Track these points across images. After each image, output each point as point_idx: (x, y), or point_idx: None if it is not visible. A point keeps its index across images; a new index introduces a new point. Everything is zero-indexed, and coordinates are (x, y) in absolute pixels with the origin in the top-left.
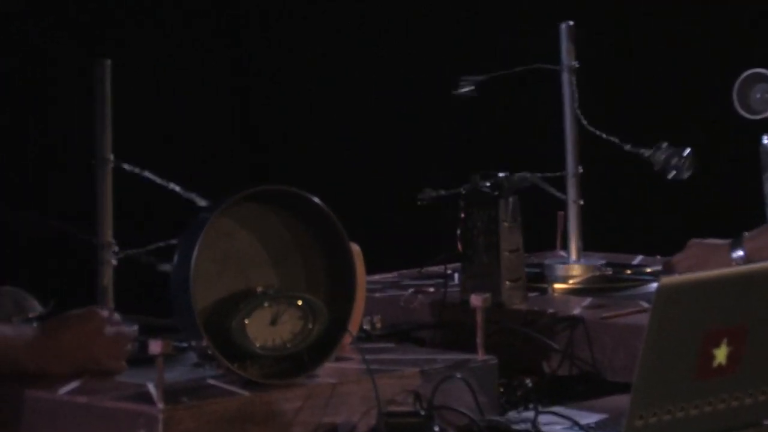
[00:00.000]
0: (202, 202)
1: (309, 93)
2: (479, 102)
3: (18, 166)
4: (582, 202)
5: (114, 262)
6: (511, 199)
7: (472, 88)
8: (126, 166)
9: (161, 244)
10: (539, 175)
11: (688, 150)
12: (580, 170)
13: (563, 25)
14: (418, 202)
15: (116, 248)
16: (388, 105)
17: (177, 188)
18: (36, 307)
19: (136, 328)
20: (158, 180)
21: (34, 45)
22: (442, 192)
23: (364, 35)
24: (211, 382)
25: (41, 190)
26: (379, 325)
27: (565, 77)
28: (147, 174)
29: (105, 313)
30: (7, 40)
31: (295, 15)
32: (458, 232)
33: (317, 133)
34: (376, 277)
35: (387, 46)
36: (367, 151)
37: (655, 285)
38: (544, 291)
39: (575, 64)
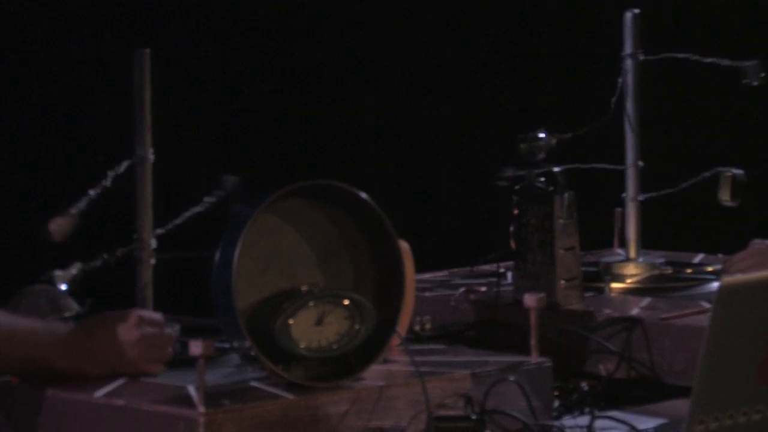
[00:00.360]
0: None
1: (355, 86)
2: (531, 94)
3: (54, 163)
4: (641, 198)
5: (153, 260)
6: (566, 195)
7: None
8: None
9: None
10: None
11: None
12: (640, 164)
13: (628, 14)
14: (498, 182)
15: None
16: (437, 98)
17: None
18: (72, 306)
19: (177, 329)
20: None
21: (71, 38)
22: (521, 172)
23: (405, 24)
24: (254, 384)
25: (79, 187)
26: (428, 326)
27: (628, 66)
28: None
29: (144, 314)
30: (43, 32)
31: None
32: (511, 229)
33: (365, 128)
34: (426, 275)
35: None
36: (418, 145)
37: (716, 285)
38: (600, 291)
39: (640, 53)
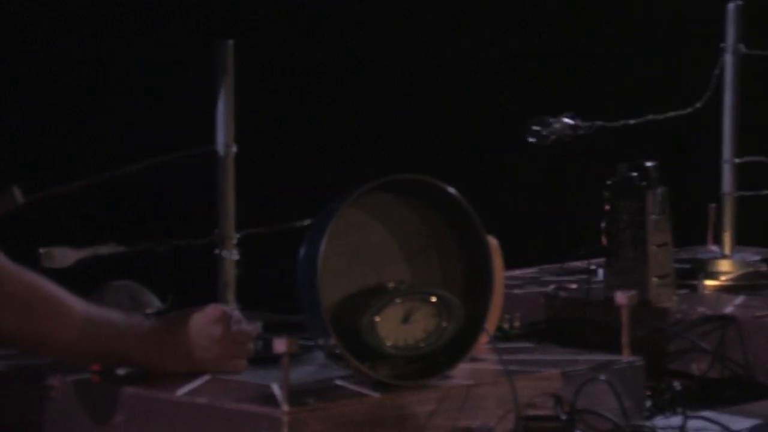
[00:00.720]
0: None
1: (440, 79)
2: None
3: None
4: (737, 194)
5: (236, 256)
6: (659, 190)
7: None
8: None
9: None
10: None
11: None
12: (736, 160)
13: (730, 5)
14: (609, 182)
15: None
16: (530, 91)
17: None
18: (153, 303)
19: (259, 325)
20: None
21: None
22: (633, 174)
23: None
24: (339, 383)
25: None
26: (517, 324)
27: (729, 60)
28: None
29: (226, 310)
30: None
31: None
32: (603, 225)
33: (453, 121)
34: (516, 272)
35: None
36: (509, 139)
37: None
38: (694, 288)
39: (742, 46)
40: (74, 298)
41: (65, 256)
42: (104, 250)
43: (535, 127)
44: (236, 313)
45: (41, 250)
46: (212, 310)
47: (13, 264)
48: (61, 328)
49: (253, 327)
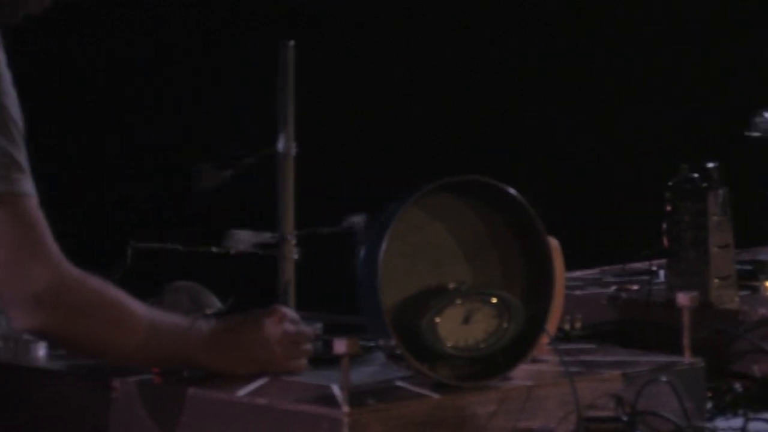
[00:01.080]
0: None
1: (503, 79)
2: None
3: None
4: None
5: (295, 256)
6: (721, 191)
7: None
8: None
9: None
10: None
11: None
12: None
13: None
14: (670, 183)
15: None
16: (588, 93)
17: None
18: (214, 304)
19: (319, 326)
20: None
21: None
22: (695, 175)
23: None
24: (400, 383)
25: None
26: (578, 325)
27: None
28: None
29: (286, 311)
30: (188, 26)
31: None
32: (664, 226)
33: (513, 122)
34: (577, 273)
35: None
36: (568, 140)
37: None
38: (755, 290)
39: None
40: (138, 304)
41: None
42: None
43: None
44: (294, 314)
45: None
46: (272, 312)
47: (79, 270)
48: (127, 334)
49: (312, 328)
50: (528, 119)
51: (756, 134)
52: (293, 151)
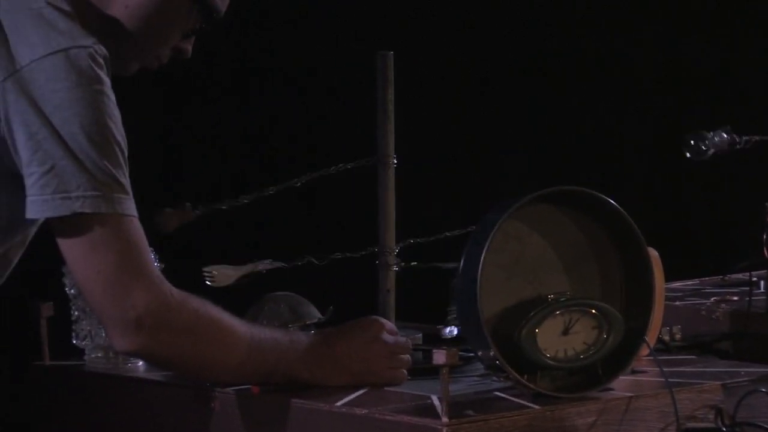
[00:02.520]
0: None
1: (606, 90)
2: None
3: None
4: None
5: (396, 267)
6: None
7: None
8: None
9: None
10: None
11: None
12: None
13: None
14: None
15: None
16: (692, 105)
17: None
18: (314, 314)
19: (419, 336)
20: None
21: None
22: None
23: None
24: (499, 394)
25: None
26: (678, 336)
27: None
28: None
29: (384, 323)
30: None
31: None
32: (765, 236)
33: (613, 132)
34: (676, 284)
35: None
36: (667, 151)
37: None
38: None
39: None
40: (238, 321)
41: (226, 275)
42: (263, 266)
43: (692, 141)
44: (392, 325)
45: (204, 270)
46: (371, 323)
47: (179, 291)
48: (227, 354)
49: (410, 338)
50: (627, 131)
51: (688, 155)
52: (393, 162)
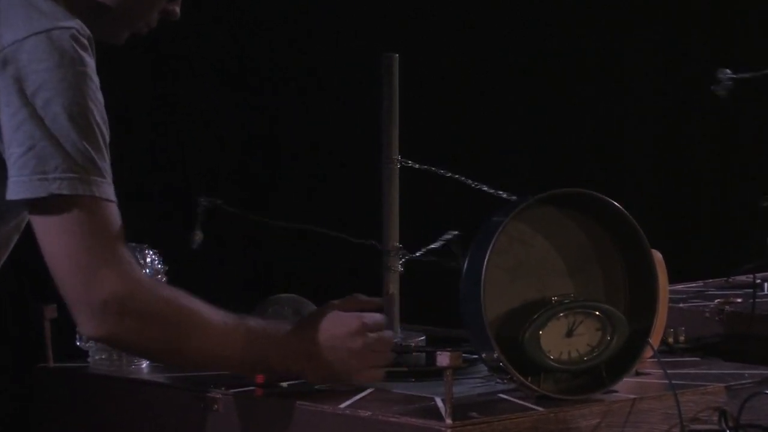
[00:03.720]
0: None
1: (608, 92)
2: None
3: (295, 165)
4: None
5: (400, 268)
6: None
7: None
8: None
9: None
10: None
11: None
12: None
13: None
14: (765, 204)
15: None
16: (697, 109)
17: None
18: None
19: (423, 338)
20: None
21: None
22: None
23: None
24: (503, 396)
25: (324, 190)
26: (682, 338)
27: None
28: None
29: (366, 318)
30: (291, 38)
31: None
32: None
33: (617, 135)
34: (680, 286)
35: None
36: (670, 153)
37: None
38: None
39: None
40: (212, 309)
41: None
42: None
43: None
44: (376, 319)
45: None
46: (354, 321)
47: (150, 279)
48: (197, 341)
49: (391, 332)
50: (628, 131)
51: (721, 92)
52: (398, 162)
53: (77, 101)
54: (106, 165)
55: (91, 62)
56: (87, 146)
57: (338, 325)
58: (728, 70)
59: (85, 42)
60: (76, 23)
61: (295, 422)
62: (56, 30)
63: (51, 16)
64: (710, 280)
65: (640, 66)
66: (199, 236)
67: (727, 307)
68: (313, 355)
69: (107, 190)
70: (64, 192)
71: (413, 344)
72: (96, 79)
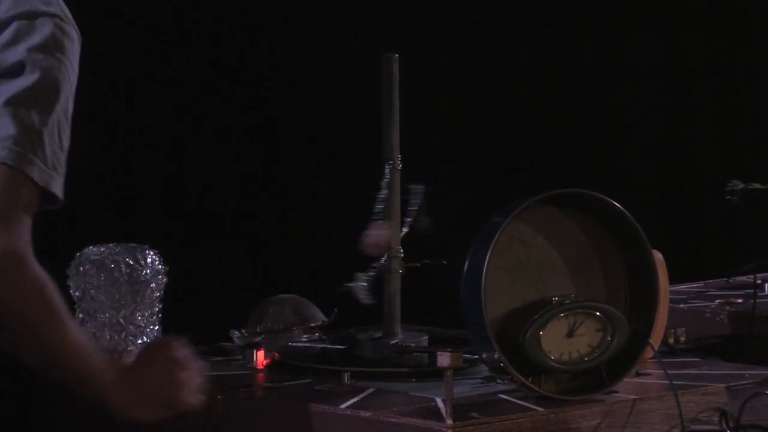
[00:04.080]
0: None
1: (605, 90)
2: None
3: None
4: None
5: (401, 271)
6: None
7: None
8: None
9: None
10: None
11: None
12: None
13: None
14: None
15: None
16: (696, 106)
17: None
18: (318, 316)
19: (425, 338)
20: None
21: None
22: (757, 185)
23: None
24: (503, 397)
25: (324, 190)
26: (683, 338)
27: None
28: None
29: (175, 342)
30: (291, 38)
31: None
32: None
33: (619, 134)
34: (681, 286)
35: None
36: (673, 153)
37: None
38: None
39: None
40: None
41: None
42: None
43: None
44: (181, 352)
45: None
46: (163, 345)
47: (37, 265)
48: (52, 329)
49: (201, 363)
50: (629, 131)
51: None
52: (399, 163)
53: (47, 86)
54: (53, 153)
55: (72, 51)
56: (43, 130)
57: (149, 352)
58: (738, 181)
59: (70, 30)
60: (62, 10)
61: (295, 422)
62: (41, 16)
63: (38, 0)
64: (711, 281)
65: (640, 66)
66: (425, 221)
67: (727, 308)
68: (136, 384)
69: (42, 176)
70: (8, 162)
71: (413, 344)
72: (76, 68)
